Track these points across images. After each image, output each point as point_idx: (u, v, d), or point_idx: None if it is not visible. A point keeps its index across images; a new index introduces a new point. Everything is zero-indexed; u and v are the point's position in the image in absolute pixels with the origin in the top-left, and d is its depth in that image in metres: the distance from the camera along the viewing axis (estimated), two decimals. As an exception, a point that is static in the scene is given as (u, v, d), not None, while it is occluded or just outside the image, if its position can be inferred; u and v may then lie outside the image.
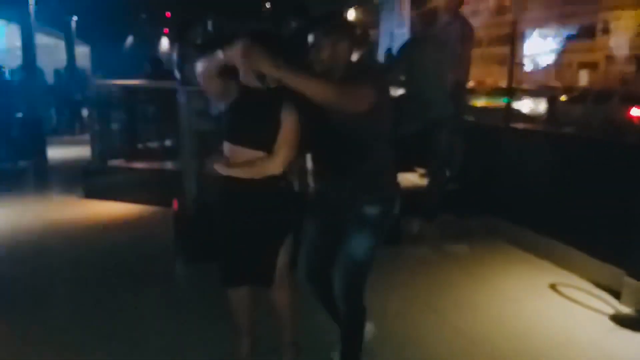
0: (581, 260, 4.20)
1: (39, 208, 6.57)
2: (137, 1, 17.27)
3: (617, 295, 3.80)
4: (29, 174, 8.48)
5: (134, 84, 7.47)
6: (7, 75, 9.30)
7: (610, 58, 8.44)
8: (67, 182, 7.63)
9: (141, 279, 4.25)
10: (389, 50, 8.26)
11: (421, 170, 6.21)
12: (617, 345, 3.29)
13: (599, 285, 4.02)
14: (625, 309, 3.66)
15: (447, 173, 5.79)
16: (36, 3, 9.92)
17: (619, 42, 8.14)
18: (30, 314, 3.69)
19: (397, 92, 5.46)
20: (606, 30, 8.43)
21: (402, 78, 5.52)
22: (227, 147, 2.53)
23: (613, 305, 3.73)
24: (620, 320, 3.54)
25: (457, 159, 5.79)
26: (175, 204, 4.79)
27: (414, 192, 5.63)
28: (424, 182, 5.89)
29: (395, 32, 9.77)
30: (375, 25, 12.66)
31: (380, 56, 9.35)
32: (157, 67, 9.30)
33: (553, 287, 4.07)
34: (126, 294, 4.00)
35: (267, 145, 2.45)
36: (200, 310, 3.69)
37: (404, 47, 5.61)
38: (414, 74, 5.32)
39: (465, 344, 3.30)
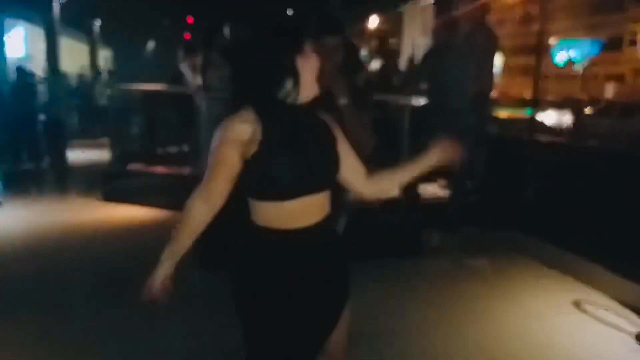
0: (606, 278, 4.10)
1: (59, 210, 6.61)
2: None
3: (642, 314, 3.69)
4: (50, 176, 8.56)
5: (154, 89, 7.49)
6: (35, 79, 9.40)
7: (637, 70, 8.30)
8: (87, 185, 7.67)
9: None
10: (410, 59, 8.23)
11: (442, 182, 6.13)
12: (643, 367, 3.18)
13: (623, 303, 3.90)
14: (651, 329, 3.55)
15: (469, 185, 5.72)
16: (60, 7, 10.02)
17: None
18: (46, 315, 3.68)
19: (420, 101, 5.41)
20: (634, 42, 8.28)
21: (424, 87, 5.47)
22: (289, 205, 1.71)
23: (638, 325, 3.61)
24: (645, 340, 3.43)
25: (479, 170, 5.72)
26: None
27: (435, 204, 5.56)
28: (445, 193, 5.83)
29: (418, 40, 9.73)
30: (398, 34, 12.64)
31: (402, 65, 9.31)
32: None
33: (576, 304, 3.97)
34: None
35: (334, 177, 1.82)
36: (217, 316, 3.64)
37: (427, 56, 5.56)
38: (437, 83, 5.27)
39: (485, 359, 3.22)
